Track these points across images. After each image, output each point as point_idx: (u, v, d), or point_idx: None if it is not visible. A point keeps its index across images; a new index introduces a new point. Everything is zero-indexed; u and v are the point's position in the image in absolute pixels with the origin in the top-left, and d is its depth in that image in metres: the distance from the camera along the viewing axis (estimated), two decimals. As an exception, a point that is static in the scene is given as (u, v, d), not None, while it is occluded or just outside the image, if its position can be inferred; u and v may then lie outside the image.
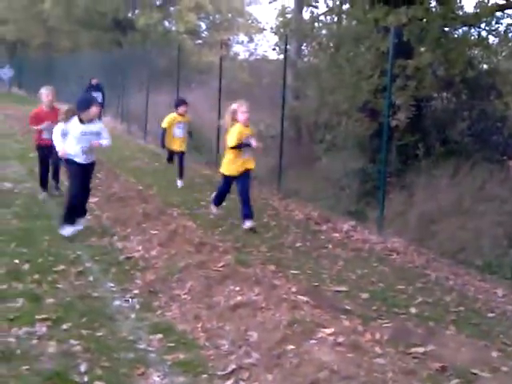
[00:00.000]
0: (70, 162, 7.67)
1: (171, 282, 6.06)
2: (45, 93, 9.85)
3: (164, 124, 11.35)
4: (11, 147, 15.44)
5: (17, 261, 6.49)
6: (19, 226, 7.92)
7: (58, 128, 7.58)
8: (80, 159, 7.66)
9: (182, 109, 11.36)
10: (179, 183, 11.52)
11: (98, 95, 19.21)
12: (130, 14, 34.21)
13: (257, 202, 10.52)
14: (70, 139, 7.56)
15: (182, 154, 11.57)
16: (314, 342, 4.47)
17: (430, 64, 9.89)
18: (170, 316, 5.31)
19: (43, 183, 10.10)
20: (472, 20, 10.37)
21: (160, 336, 4.86)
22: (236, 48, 31.32)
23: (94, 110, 7.62)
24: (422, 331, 5.02)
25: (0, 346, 4.45)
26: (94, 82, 21.54)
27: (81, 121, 7.58)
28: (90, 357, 4.40)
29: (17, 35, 45.02)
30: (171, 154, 11.75)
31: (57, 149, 7.59)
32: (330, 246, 8.02)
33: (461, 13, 10.70)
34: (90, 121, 7.67)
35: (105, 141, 7.85)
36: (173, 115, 11.39)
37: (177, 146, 11.45)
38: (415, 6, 9.64)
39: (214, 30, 36.48)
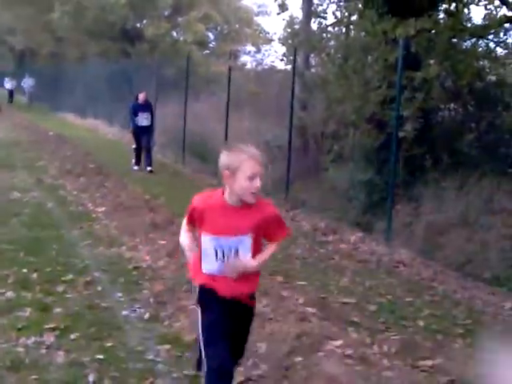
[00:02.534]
0: None
1: (179, 293, 6.05)
2: (238, 161, 3.29)
3: None
4: (19, 156, 15.52)
5: (25, 270, 6.50)
6: (28, 235, 7.95)
7: None
8: None
9: None
10: None
11: (145, 117, 14.84)
12: (138, 24, 34.38)
13: (264, 213, 10.53)
14: None
15: None
16: (322, 354, 4.47)
17: (438, 75, 9.90)
18: (177, 326, 5.30)
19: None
20: (480, 32, 10.40)
21: (168, 346, 4.85)
22: (244, 58, 31.40)
23: None
24: (430, 344, 5.01)
25: (9, 356, 4.46)
26: (141, 98, 14.93)
27: None
28: (99, 367, 4.40)
29: (25, 44, 45.31)
30: None
31: None
32: (338, 258, 8.02)
33: (469, 24, 10.74)
34: None
35: None
36: None
37: None
38: (424, 18, 9.67)
39: (221, 40, 36.62)
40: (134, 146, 15.05)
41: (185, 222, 3.58)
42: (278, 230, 3.58)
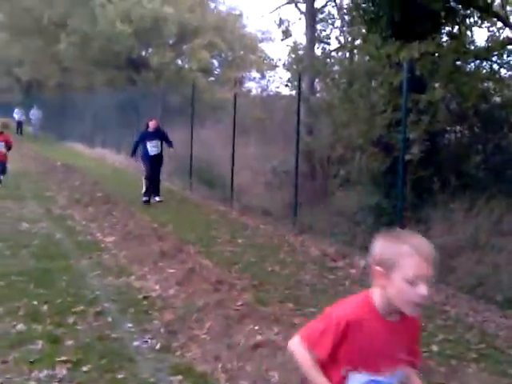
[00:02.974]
0: None
1: (190, 322, 6.04)
2: (396, 255, 2.30)
3: None
4: (27, 187, 15.59)
5: (35, 302, 6.52)
6: (37, 267, 7.97)
7: None
8: None
9: None
10: None
11: (154, 145, 14.14)
12: (143, 53, 34.70)
13: (273, 239, 10.55)
14: None
15: None
16: (335, 382, 4.42)
17: (443, 98, 9.92)
18: (189, 357, 5.29)
19: None
20: (484, 54, 10.44)
21: (180, 377, 4.84)
22: (249, 84, 31.55)
23: None
24: (444, 369, 4.97)
25: (21, 390, 4.46)
26: (151, 125, 14.22)
27: None
28: (111, 400, 4.40)
29: (32, 76, 45.71)
30: None
31: None
32: (348, 283, 7.98)
33: (472, 47, 10.79)
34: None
35: None
36: None
37: None
38: (427, 41, 9.71)
39: (226, 67, 36.83)
40: (144, 176, 14.37)
41: (307, 348, 2.41)
42: (418, 350, 2.55)
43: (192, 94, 17.31)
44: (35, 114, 37.99)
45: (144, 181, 14.32)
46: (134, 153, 14.69)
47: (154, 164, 14.16)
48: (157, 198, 14.16)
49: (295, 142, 11.75)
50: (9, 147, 14.87)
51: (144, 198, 14.03)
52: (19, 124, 38.25)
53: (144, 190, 14.22)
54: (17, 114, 38.74)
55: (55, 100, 40.62)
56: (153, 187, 14.21)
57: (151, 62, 32.51)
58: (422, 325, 6.29)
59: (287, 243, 10.29)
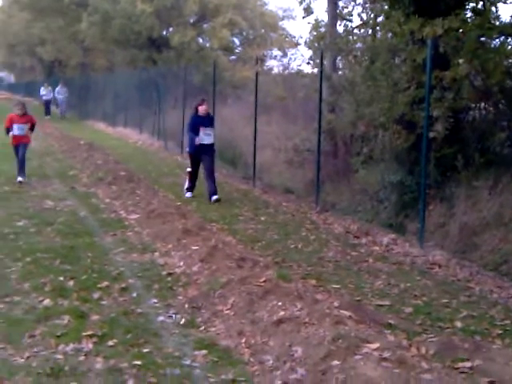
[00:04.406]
0: None
1: (214, 298, 6.09)
2: None
3: None
4: (51, 166, 15.72)
5: (61, 278, 6.60)
6: (62, 244, 8.05)
7: None
8: None
9: None
10: None
11: (208, 133, 11.84)
12: (164, 32, 34.59)
13: (295, 216, 10.56)
14: None
15: None
16: (359, 357, 4.44)
17: (467, 74, 9.80)
18: (213, 332, 5.34)
19: None
20: (509, 29, 10.27)
21: (204, 352, 4.89)
22: (270, 63, 31.31)
23: None
24: (468, 345, 4.95)
25: (48, 363, 4.53)
26: (201, 109, 11.92)
27: None
28: (137, 373, 4.46)
29: (54, 55, 45.90)
30: None
31: None
32: (371, 260, 7.98)
33: (497, 23, 10.62)
34: None
35: None
36: None
37: None
38: (451, 17, 9.58)
39: (247, 45, 36.62)
40: (188, 169, 12.29)
41: None
42: None
43: (213, 73, 17.26)
44: (61, 91, 34.84)
45: (188, 174, 12.32)
46: (193, 147, 11.98)
47: (205, 154, 11.86)
48: (214, 197, 11.63)
49: (317, 120, 11.71)
50: (32, 128, 13.42)
51: (188, 194, 12.16)
52: (47, 103, 34.41)
53: (187, 185, 12.27)
54: (43, 91, 34.75)
55: (77, 79, 40.66)
56: (208, 183, 11.88)
57: (172, 42, 32.40)
58: (446, 301, 6.32)
59: (310, 221, 10.30)
